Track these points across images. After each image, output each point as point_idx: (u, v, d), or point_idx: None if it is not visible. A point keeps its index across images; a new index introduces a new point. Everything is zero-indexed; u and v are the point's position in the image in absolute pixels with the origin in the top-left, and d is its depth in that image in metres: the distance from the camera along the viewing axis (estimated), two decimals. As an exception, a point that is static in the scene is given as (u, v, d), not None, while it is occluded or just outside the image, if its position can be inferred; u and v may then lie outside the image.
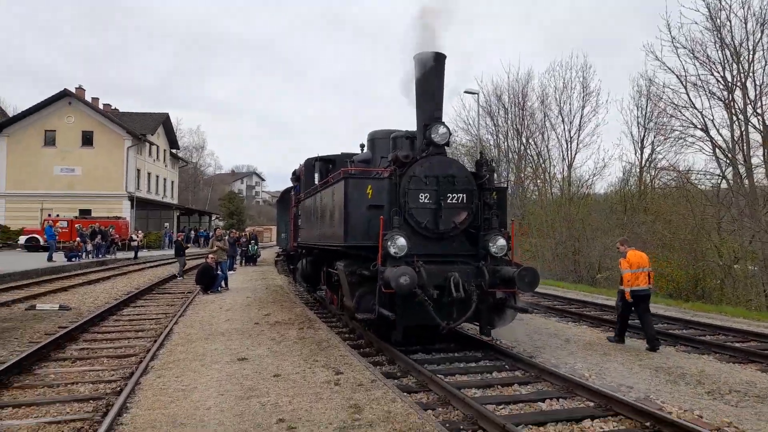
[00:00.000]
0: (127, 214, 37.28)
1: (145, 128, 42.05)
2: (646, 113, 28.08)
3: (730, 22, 20.39)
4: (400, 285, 6.57)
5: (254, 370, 6.22)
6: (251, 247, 25.78)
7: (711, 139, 21.65)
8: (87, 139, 38.49)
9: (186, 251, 20.51)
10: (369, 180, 8.01)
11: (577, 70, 42.92)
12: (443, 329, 7.11)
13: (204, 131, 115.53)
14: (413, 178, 7.65)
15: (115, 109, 45.04)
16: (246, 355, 6.98)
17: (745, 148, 20.70)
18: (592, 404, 5.64)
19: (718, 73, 21.01)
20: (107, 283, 17.06)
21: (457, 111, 47.45)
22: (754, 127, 20.22)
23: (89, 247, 25.28)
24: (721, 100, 21.27)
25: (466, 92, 26.19)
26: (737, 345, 8.74)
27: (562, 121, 31.17)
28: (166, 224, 42.72)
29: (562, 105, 31.16)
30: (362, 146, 11.23)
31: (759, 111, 20.08)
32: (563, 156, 31.31)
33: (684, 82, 21.96)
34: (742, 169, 20.91)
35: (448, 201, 7.74)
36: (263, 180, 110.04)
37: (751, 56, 20.18)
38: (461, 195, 7.81)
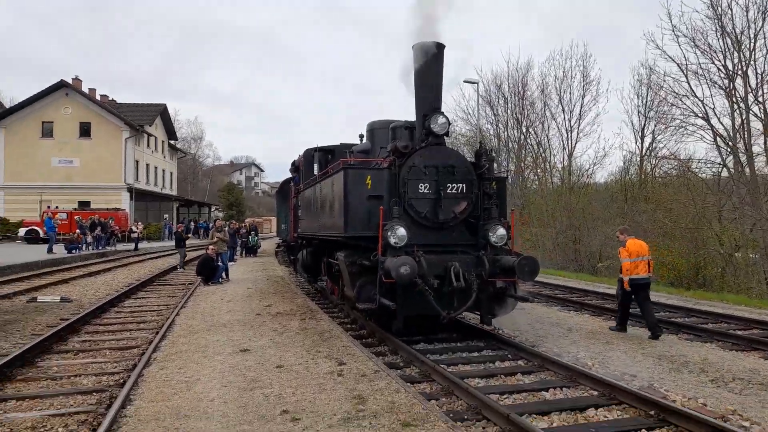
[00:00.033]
0: (126, 206, 37.22)
1: (143, 119, 41.86)
2: (646, 102, 27.97)
3: (731, 10, 20.28)
4: (400, 275, 6.58)
5: (257, 362, 6.21)
6: (251, 238, 25.76)
7: (712, 127, 21.58)
8: (84, 131, 38.32)
9: (186, 242, 20.48)
10: (368, 170, 8.00)
11: (577, 59, 42.72)
12: (444, 319, 7.12)
13: (202, 122, 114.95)
14: (413, 169, 7.64)
15: (113, 100, 44.78)
16: (248, 346, 6.97)
17: (746, 136, 20.63)
18: (595, 393, 5.64)
19: (719, 61, 20.89)
20: (108, 274, 17.05)
21: (456, 100, 47.18)
22: (755, 116, 20.15)
23: (89, 238, 25.25)
24: (722, 89, 21.17)
25: (465, 81, 26.08)
26: (739, 333, 8.75)
27: (563, 110, 31.06)
28: (166, 216, 42.65)
29: (562, 94, 31.03)
30: (361, 137, 11.19)
31: (760, 99, 20.00)
32: (563, 145, 31.24)
33: (685, 71, 21.84)
34: (743, 158, 20.86)
35: (448, 191, 7.73)
36: (262, 171, 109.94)
37: (752, 44, 20.06)
38: (461, 185, 7.81)
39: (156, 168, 46.08)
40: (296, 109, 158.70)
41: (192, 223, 43.15)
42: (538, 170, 32.84)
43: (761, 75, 19.88)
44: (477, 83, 27.57)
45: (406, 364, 6.75)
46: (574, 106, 30.69)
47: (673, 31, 21.86)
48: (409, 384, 5.57)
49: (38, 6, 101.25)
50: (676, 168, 24.99)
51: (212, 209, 56.81)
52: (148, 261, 22.63)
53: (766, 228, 18.46)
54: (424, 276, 6.90)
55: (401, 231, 7.12)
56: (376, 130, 10.26)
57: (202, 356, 6.50)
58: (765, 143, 20.02)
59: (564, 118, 31.00)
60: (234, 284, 14.01)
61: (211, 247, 14.84)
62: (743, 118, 20.51)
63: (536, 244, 27.37)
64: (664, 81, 23.89)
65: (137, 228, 29.91)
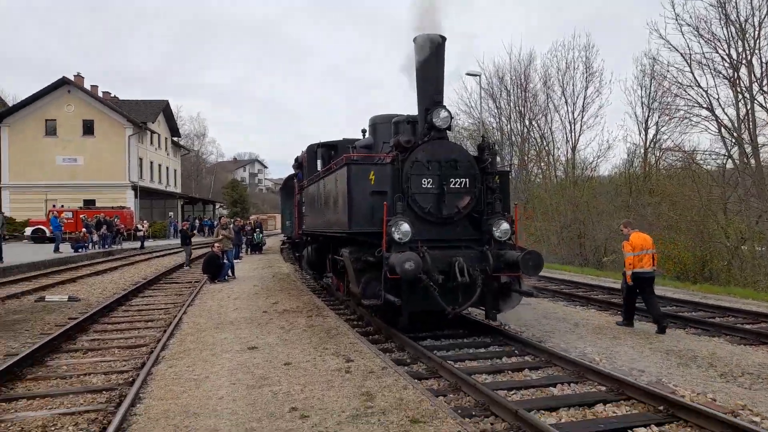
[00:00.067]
0: (131, 204, 37.33)
1: (146, 116, 41.87)
2: (650, 93, 27.79)
3: (735, -3, 20.09)
4: (405, 270, 6.58)
5: (265, 359, 6.23)
6: (256, 236, 25.81)
7: (716, 118, 21.46)
8: (88, 128, 38.36)
9: (192, 240, 20.54)
10: (371, 166, 7.98)
11: (580, 50, 42.29)
12: (449, 314, 7.13)
13: (205, 118, 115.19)
14: (415, 163, 7.63)
15: (115, 96, 44.82)
16: (256, 343, 6.99)
17: (751, 126, 20.51)
18: (603, 388, 5.63)
19: (723, 50, 20.76)
20: (115, 273, 17.13)
21: (458, 94, 47.02)
22: (761, 105, 20.01)
23: (95, 237, 25.36)
24: (726, 78, 21.05)
25: (467, 74, 25.96)
26: (748, 327, 8.71)
27: (566, 102, 30.93)
28: (171, 213, 42.77)
29: (565, 86, 30.88)
30: (364, 132, 11.16)
31: (765, 89, 19.86)
32: (567, 138, 31.12)
33: (689, 61, 21.72)
34: (748, 149, 20.74)
35: (451, 186, 7.73)
36: (266, 167, 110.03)
37: (757, 33, 19.92)
38: (464, 179, 7.80)
39: (160, 165, 46.16)
40: (299, 105, 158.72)
41: (197, 221, 43.24)
42: (542, 164, 32.75)
43: (766, 64, 19.76)
44: (479, 75, 27.48)
45: (413, 361, 6.76)
46: (577, 97, 30.55)
47: (676, 20, 21.66)
48: (416, 380, 5.57)
49: (38, 3, 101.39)
50: (681, 160, 24.88)
51: (216, 206, 56.92)
52: (154, 259, 22.72)
53: (773, 220, 18.38)
54: (428, 271, 6.91)
55: (405, 227, 7.12)
56: (378, 124, 10.22)
57: (210, 354, 6.53)
58: (771, 134, 19.91)
59: (567, 110, 30.88)
60: (240, 282, 14.04)
61: (216, 244, 14.88)
62: (748, 108, 20.39)
63: (541, 238, 27.32)
64: (668, 71, 23.79)
65: (143, 226, 30.01)
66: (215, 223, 37.91)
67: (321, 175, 10.52)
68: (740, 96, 20.63)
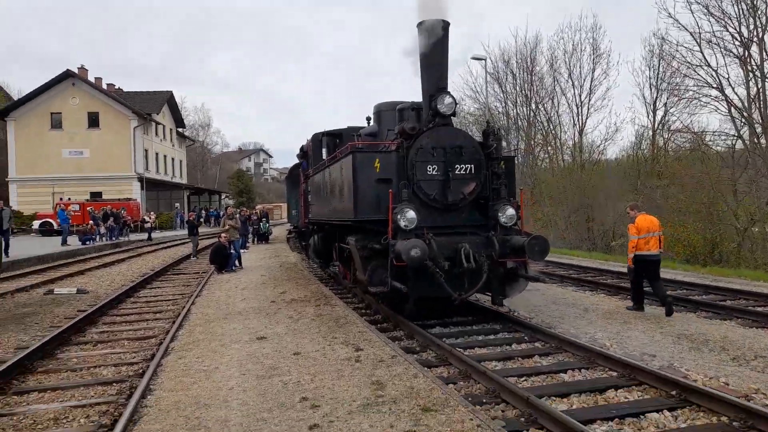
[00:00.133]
0: (137, 196, 37.44)
1: (150, 107, 41.82)
2: (658, 74, 27.46)
3: (747, -26, 19.70)
4: (411, 257, 6.60)
5: (274, 349, 6.22)
6: (262, 225, 25.83)
7: (726, 98, 21.17)
8: (93, 121, 38.35)
9: (198, 230, 20.59)
10: (376, 154, 8.00)
11: (587, 32, 41.78)
12: (455, 300, 7.14)
13: (209, 109, 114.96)
14: (420, 150, 7.60)
15: (119, 88, 44.74)
16: (265, 333, 6.99)
17: (761, 106, 20.21)
18: (615, 374, 5.59)
19: (734, 28, 20.40)
20: (122, 265, 17.21)
21: (464, 78, 46.68)
22: (772, 84, 19.71)
23: (102, 229, 25.47)
24: (736, 57, 20.71)
25: (473, 58, 25.72)
26: (759, 309, 8.63)
27: (572, 85, 30.62)
28: (177, 204, 42.89)
29: (571, 68, 30.56)
30: (368, 119, 11.10)
31: (777, 67, 19.53)
32: (574, 121, 30.85)
33: (698, 40, 21.37)
34: (758, 128, 20.45)
35: (456, 172, 7.70)
36: (271, 157, 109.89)
37: (768, 9, 19.53)
38: (469, 165, 7.77)
39: (165, 156, 46.19)
40: (303, 94, 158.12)
41: (203, 212, 43.35)
42: (549, 148, 32.50)
43: (778, 42, 19.41)
44: (484, 59, 27.17)
45: (422, 349, 6.74)
46: (584, 80, 30.23)
47: (685, -3, 21.26)
48: (426, 369, 5.55)
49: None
50: (690, 141, 24.61)
51: (222, 197, 57.01)
52: (162, 250, 22.80)
53: (784, 200, 18.17)
54: (434, 258, 6.92)
55: (411, 214, 7.13)
56: (382, 112, 10.20)
57: (220, 345, 6.53)
58: (782, 113, 19.62)
59: (574, 93, 30.58)
60: (247, 272, 14.07)
61: (223, 235, 14.89)
62: (759, 87, 20.09)
63: (548, 223, 27.19)
64: (677, 51, 23.43)
65: (150, 218, 30.11)
66: (221, 213, 38.00)
67: (326, 163, 10.49)
68: (751, 75, 20.32)
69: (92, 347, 7.08)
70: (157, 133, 43.62)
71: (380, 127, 10.14)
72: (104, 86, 41.57)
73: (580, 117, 30.44)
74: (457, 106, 8.23)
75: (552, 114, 31.77)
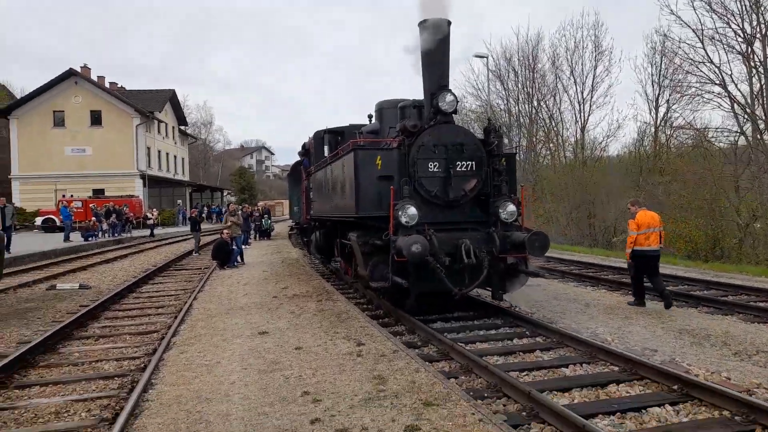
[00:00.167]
0: (139, 193, 37.50)
1: (153, 106, 41.86)
2: (660, 71, 27.41)
3: (750, -31, 19.61)
4: (412, 253, 6.64)
5: (276, 344, 6.23)
6: (264, 222, 25.86)
7: (729, 94, 21.11)
8: (95, 119, 38.45)
9: (201, 226, 20.62)
10: (378, 151, 8.05)
11: (589, 29, 41.68)
12: (455, 295, 7.18)
13: (211, 107, 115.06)
14: (422, 148, 7.66)
15: (122, 87, 44.81)
16: (266, 328, 7.00)
17: (764, 102, 20.14)
18: (616, 369, 5.59)
19: (737, 24, 20.32)
20: (125, 261, 17.24)
21: (465, 76, 46.70)
22: (775, 80, 19.63)
23: (105, 226, 25.53)
24: (739, 54, 20.65)
25: (475, 56, 25.69)
26: (761, 305, 8.60)
27: (574, 82, 30.59)
28: (179, 201, 42.95)
29: (573, 66, 30.53)
30: (370, 117, 11.14)
31: (780, 63, 19.46)
32: (576, 118, 30.82)
33: (701, 36, 21.30)
34: (761, 125, 20.39)
35: (458, 169, 7.75)
36: (272, 154, 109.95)
37: (772, 5, 19.44)
38: (470, 162, 7.82)
39: (168, 154, 46.24)
40: (304, 92, 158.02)
41: (205, 208, 43.40)
42: (551, 145, 32.45)
43: (781, 38, 19.33)
44: (486, 57, 27.14)
45: (423, 343, 6.74)
46: (587, 77, 30.20)
47: (687, -6, 21.21)
48: (428, 363, 5.55)
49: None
50: (692, 138, 24.55)
51: (224, 194, 57.08)
52: (164, 247, 22.84)
53: (786, 197, 18.11)
54: (435, 254, 6.96)
55: (412, 210, 7.18)
56: (384, 109, 10.24)
57: (221, 339, 6.54)
58: (785, 109, 19.55)
59: (576, 90, 30.55)
60: (249, 267, 14.08)
61: (225, 231, 14.90)
62: (762, 83, 20.02)
63: (550, 219, 27.17)
64: (679, 48, 23.37)
65: (152, 214, 30.15)
66: (223, 210, 38.02)
67: (328, 160, 10.51)
68: (754, 71, 20.26)
69: (94, 342, 7.10)
70: (159, 131, 43.65)
71: (382, 125, 10.18)
72: (107, 85, 41.63)
73: (582, 114, 30.43)
74: (459, 103, 8.26)
75: (554, 111, 31.76)
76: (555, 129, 31.89)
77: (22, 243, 19.70)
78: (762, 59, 19.95)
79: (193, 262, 16.49)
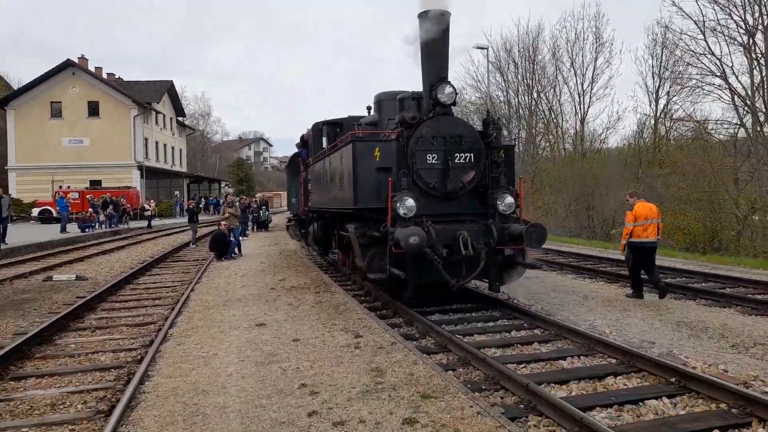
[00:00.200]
0: (137, 184, 37.39)
1: (150, 96, 41.66)
2: (661, 62, 27.28)
3: (752, -41, 19.47)
4: (409, 245, 6.65)
5: (273, 336, 6.21)
6: (262, 213, 25.80)
7: (729, 86, 21.01)
8: (93, 110, 38.24)
9: (198, 217, 20.56)
10: (376, 142, 8.03)
11: (590, 20, 41.54)
12: (453, 287, 7.20)
13: (209, 98, 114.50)
14: (420, 139, 7.66)
15: (119, 78, 44.54)
16: (264, 320, 6.98)
17: (765, 94, 20.07)
18: (614, 361, 5.58)
19: (739, 15, 20.19)
20: (122, 252, 17.20)
21: (465, 67, 46.48)
22: (776, 72, 19.55)
23: (101, 217, 25.45)
24: (741, 45, 20.53)
25: (475, 47, 25.55)
26: (759, 297, 8.61)
27: (575, 74, 30.45)
28: (177, 193, 42.84)
29: (574, 57, 30.37)
30: (369, 109, 11.10)
31: (781, 55, 19.37)
32: (576, 110, 30.72)
33: (702, 28, 21.17)
34: (761, 117, 20.34)
35: (456, 161, 7.75)
36: (270, 145, 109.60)
37: (774, -4, 19.31)
38: (469, 154, 7.82)
39: (165, 145, 46.05)
40: (303, 83, 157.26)
41: (202, 200, 43.30)
42: (550, 137, 32.38)
43: (783, 29, 19.23)
44: (486, 48, 26.99)
45: (421, 335, 6.73)
46: (587, 69, 30.07)
47: (690, -15, 21.07)
48: (426, 355, 5.54)
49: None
50: (692, 130, 24.50)
51: (222, 185, 56.94)
52: (161, 238, 22.79)
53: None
54: (433, 245, 6.98)
55: (410, 202, 7.20)
56: (383, 101, 10.22)
57: (219, 331, 6.52)
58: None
59: (576, 82, 30.42)
60: (247, 259, 14.05)
61: (223, 222, 14.86)
62: (763, 74, 19.94)
63: (548, 211, 27.16)
64: (680, 39, 23.23)
65: (150, 206, 30.07)
66: (221, 201, 37.94)
67: (326, 152, 10.48)
68: (755, 63, 20.17)
69: (91, 333, 7.07)
70: (157, 122, 43.46)
71: (381, 117, 10.15)
72: (104, 76, 41.37)
73: (582, 106, 30.33)
74: (458, 95, 8.23)
75: (554, 103, 31.64)
76: (555, 121, 31.80)
77: (19, 234, 19.64)
78: (763, 51, 19.85)
79: (191, 254, 16.46)
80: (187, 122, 56.52)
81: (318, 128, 12.34)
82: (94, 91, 38.32)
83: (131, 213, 30.50)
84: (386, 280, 7.38)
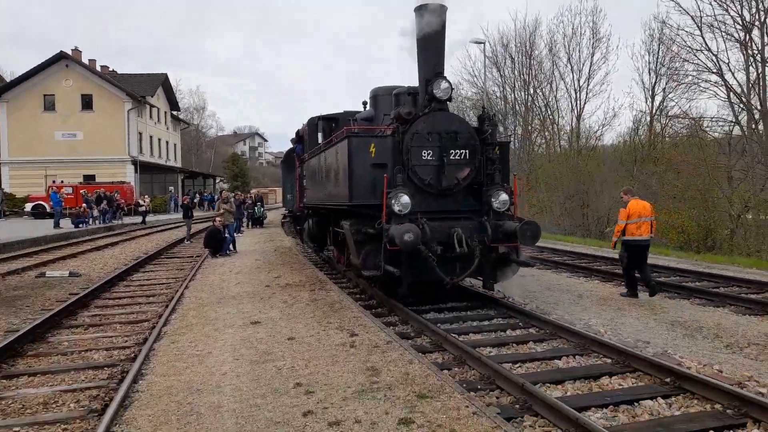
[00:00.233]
0: (131, 179, 37.14)
1: (144, 90, 41.31)
2: (658, 58, 27.39)
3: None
4: (404, 242, 6.65)
5: (268, 334, 6.18)
6: (257, 210, 25.71)
7: (726, 83, 21.10)
8: (86, 103, 37.90)
9: (193, 213, 20.47)
10: (372, 138, 8.02)
11: (587, 15, 41.62)
12: (447, 284, 7.22)
13: (204, 92, 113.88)
14: (416, 135, 7.65)
15: (113, 71, 44.17)
16: (259, 318, 6.94)
17: (761, 91, 20.15)
18: (609, 361, 5.59)
19: (736, 11, 20.25)
20: (116, 248, 17.10)
21: (462, 62, 46.40)
22: (772, 69, 19.63)
23: (95, 212, 25.29)
24: (737, 41, 20.59)
25: (472, 42, 25.50)
26: (753, 297, 8.64)
27: (571, 69, 30.50)
28: (171, 188, 42.60)
29: (570, 53, 30.43)
30: (365, 104, 11.03)
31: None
32: (572, 106, 30.78)
33: (699, 24, 21.22)
34: (756, 114, 20.42)
35: (451, 157, 7.75)
36: (266, 141, 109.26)
37: (771, -7, 19.38)
38: (464, 151, 7.82)
39: (159, 140, 45.77)
40: (299, 78, 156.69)
41: (197, 195, 43.10)
42: (546, 133, 32.42)
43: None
44: (483, 43, 26.95)
45: (417, 334, 6.72)
46: (583, 64, 30.13)
47: (687, -20, 21.10)
48: (421, 354, 5.53)
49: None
50: (687, 127, 24.59)
51: (217, 180, 56.70)
52: (155, 234, 22.68)
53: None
54: (427, 243, 6.99)
55: (405, 199, 7.20)
56: (379, 96, 10.14)
57: (213, 329, 6.48)
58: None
59: (573, 77, 30.48)
60: (242, 256, 14.00)
61: (218, 219, 14.78)
62: (759, 72, 20.02)
63: (543, 209, 27.22)
64: (677, 35, 23.29)
65: (144, 201, 29.91)
66: (216, 197, 37.76)
67: (322, 148, 10.42)
68: (751, 60, 20.23)
69: (84, 331, 7.02)
70: (151, 116, 43.16)
71: (376, 112, 10.09)
72: (98, 68, 41.01)
73: (578, 102, 30.40)
74: (455, 90, 8.20)
75: (550, 99, 31.70)
76: (551, 117, 31.86)
77: (12, 229, 19.50)
78: (760, 48, 19.94)
79: (185, 250, 16.38)
80: (181, 116, 56.20)
81: (313, 123, 12.25)
82: (88, 84, 37.98)
83: (125, 209, 30.32)
84: (381, 277, 7.39)
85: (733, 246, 18.62)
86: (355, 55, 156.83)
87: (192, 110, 68.87)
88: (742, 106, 20.90)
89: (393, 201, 7.16)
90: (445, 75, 7.84)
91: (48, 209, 28.13)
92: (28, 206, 30.99)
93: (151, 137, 43.20)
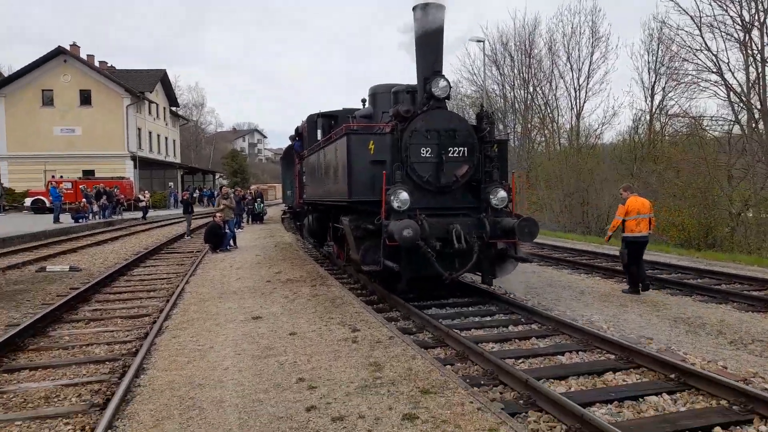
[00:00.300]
0: (130, 174, 37.07)
1: (143, 86, 41.18)
2: (657, 58, 27.35)
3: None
4: (403, 238, 6.71)
5: (270, 329, 6.15)
6: (257, 205, 25.67)
7: (725, 82, 21.06)
8: (85, 98, 37.80)
9: (193, 209, 20.42)
10: (371, 135, 8.06)
11: (586, 14, 41.58)
12: (446, 280, 7.27)
13: (203, 88, 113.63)
14: (414, 133, 7.69)
15: (112, 66, 44.01)
16: (260, 313, 6.92)
17: (760, 91, 20.13)
18: (612, 357, 5.57)
19: (735, 11, 20.21)
20: (116, 243, 17.06)
21: (461, 60, 46.32)
22: (772, 69, 19.60)
23: (95, 207, 25.24)
24: (737, 41, 20.55)
25: (471, 40, 25.45)
26: (755, 294, 8.62)
27: (571, 68, 30.46)
28: (171, 184, 42.52)
29: (570, 51, 30.38)
30: (364, 101, 11.04)
31: (777, 52, 19.41)
32: (571, 105, 30.75)
33: (698, 24, 21.18)
34: (756, 114, 20.39)
35: (450, 155, 7.80)
36: (265, 137, 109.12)
37: (771, -7, 19.33)
38: (462, 148, 7.87)
39: (159, 136, 45.67)
40: (298, 76, 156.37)
41: (197, 191, 43.02)
42: (545, 131, 32.38)
43: (779, 26, 19.26)
44: (483, 41, 26.88)
45: (419, 330, 6.70)
46: (583, 63, 30.09)
47: (687, -20, 21.10)
48: (424, 350, 5.50)
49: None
50: (687, 126, 24.57)
51: (216, 176, 56.62)
52: (155, 229, 22.63)
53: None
54: (426, 238, 7.05)
55: (404, 195, 7.25)
56: (378, 94, 10.17)
57: (215, 324, 6.46)
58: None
59: (572, 76, 30.43)
60: (242, 251, 13.96)
61: (218, 214, 14.74)
62: (759, 71, 20.00)
63: (543, 206, 27.21)
64: (677, 35, 23.26)
65: (144, 197, 29.86)
66: (215, 193, 37.71)
67: (321, 144, 10.42)
68: (751, 59, 20.22)
69: (85, 325, 6.99)
70: (150, 112, 43.04)
71: (375, 110, 10.12)
72: (96, 64, 40.87)
73: (577, 101, 30.36)
74: (454, 88, 8.23)
75: (549, 97, 31.66)
76: (550, 115, 31.81)
77: (12, 224, 19.43)
78: (759, 47, 19.91)
79: (185, 246, 16.34)
80: (180, 112, 56.05)
81: (313, 120, 12.26)
82: (86, 80, 37.86)
83: (125, 204, 30.26)
84: (380, 272, 7.43)
85: (734, 244, 18.61)
86: (354, 54, 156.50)
87: (191, 106, 68.74)
88: (742, 105, 20.89)
89: (392, 197, 7.21)
90: (443, 73, 7.87)
91: (48, 204, 28.08)
92: (28, 201, 30.94)
93: (150, 133, 43.09)
